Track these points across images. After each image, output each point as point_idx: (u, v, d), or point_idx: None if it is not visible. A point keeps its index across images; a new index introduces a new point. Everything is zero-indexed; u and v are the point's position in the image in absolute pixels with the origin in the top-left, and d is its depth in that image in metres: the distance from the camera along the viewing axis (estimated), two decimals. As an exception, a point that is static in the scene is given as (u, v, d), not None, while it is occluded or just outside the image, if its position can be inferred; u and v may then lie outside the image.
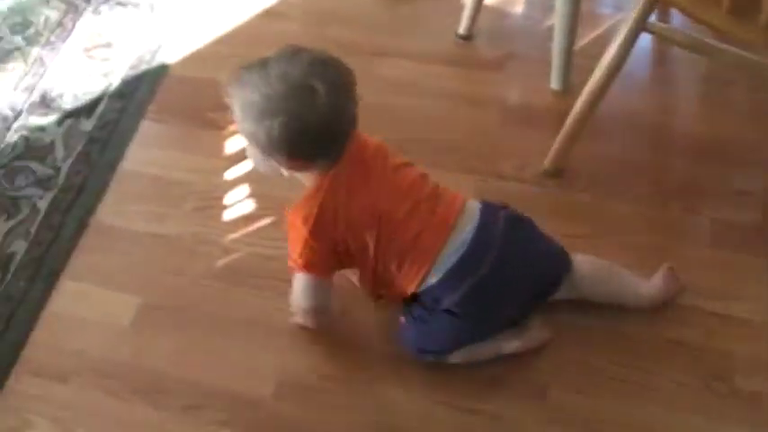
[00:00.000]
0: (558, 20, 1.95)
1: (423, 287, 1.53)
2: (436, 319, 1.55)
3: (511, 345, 1.63)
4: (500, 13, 2.23)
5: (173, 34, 2.26)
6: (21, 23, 2.34)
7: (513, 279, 1.53)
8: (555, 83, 2.06)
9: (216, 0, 2.31)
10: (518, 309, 1.61)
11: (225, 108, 1.45)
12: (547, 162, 1.90)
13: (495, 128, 2.01)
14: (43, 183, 2.00)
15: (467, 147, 1.98)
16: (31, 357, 1.74)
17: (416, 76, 2.12)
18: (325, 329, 1.71)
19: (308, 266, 1.55)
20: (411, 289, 1.55)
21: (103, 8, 2.35)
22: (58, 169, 2.02)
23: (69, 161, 2.03)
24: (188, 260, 1.84)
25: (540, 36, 2.14)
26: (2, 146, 2.08)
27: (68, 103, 2.15)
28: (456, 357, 1.62)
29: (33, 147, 2.07)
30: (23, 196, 1.98)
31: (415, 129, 2.00)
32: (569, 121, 1.82)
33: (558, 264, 1.63)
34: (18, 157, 2.06)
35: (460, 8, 2.16)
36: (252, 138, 1.43)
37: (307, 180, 1.51)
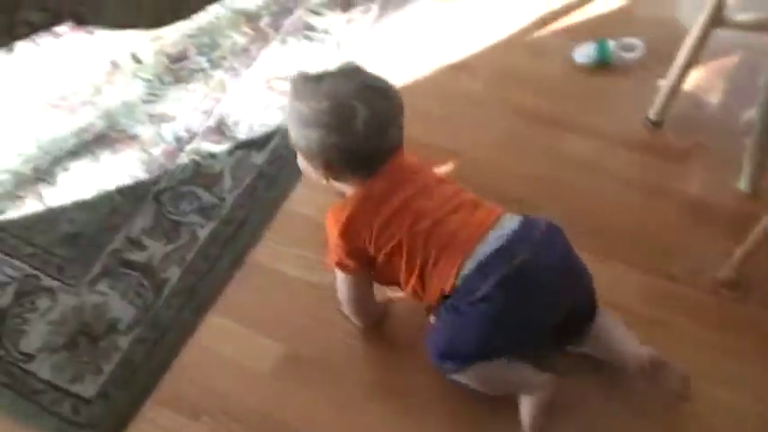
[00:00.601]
0: (758, 115, 1.82)
1: (458, 281, 1.52)
2: (467, 314, 1.52)
3: (533, 381, 1.57)
4: (695, 101, 2.10)
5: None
6: (208, 45, 2.38)
7: (546, 280, 1.51)
8: (744, 183, 1.93)
9: (403, 47, 2.28)
10: (545, 325, 1.55)
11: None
12: (724, 270, 1.78)
13: (671, 223, 1.90)
14: (206, 211, 2.01)
15: (637, 238, 1.87)
16: (167, 387, 1.76)
17: (596, 154, 2.02)
18: (370, 329, 1.77)
19: (339, 265, 1.64)
20: (447, 286, 1.53)
21: (291, 39, 2.36)
22: (222, 200, 2.03)
23: (235, 193, 2.04)
24: (339, 314, 1.81)
25: (735, 130, 2.01)
26: (172, 167, 2.11)
27: (242, 133, 2.16)
28: (476, 374, 1.56)
29: (202, 173, 2.09)
30: (186, 222, 2.00)
31: (585, 209, 1.91)
32: (756, 230, 1.69)
33: (590, 285, 1.61)
34: (185, 182, 2.08)
35: (655, 90, 2.05)
36: (295, 144, 1.58)
37: (343, 188, 1.62)
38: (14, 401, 1.78)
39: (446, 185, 1.62)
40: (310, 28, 2.30)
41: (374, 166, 1.56)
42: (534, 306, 1.52)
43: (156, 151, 2.15)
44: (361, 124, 1.49)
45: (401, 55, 2.25)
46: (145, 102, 2.26)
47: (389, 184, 1.57)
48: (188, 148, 2.15)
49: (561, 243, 1.58)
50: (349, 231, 1.57)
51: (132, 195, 2.07)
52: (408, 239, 1.54)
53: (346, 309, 1.76)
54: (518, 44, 2.20)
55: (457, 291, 1.53)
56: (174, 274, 1.92)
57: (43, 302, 1.92)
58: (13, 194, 2.13)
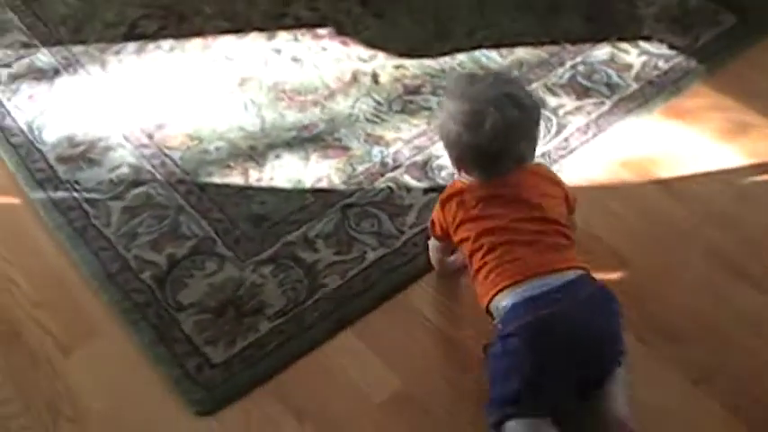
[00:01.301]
0: None
1: (496, 305, 1.66)
2: (498, 347, 1.63)
3: None
4: None
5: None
6: (443, 88, 2.46)
7: (569, 338, 1.58)
8: None
9: (615, 149, 2.28)
10: (561, 378, 1.60)
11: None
12: None
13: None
14: (383, 238, 2.10)
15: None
16: (284, 381, 1.86)
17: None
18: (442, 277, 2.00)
19: (431, 224, 1.89)
20: (485, 299, 1.68)
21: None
22: (401, 233, 2.11)
23: (415, 230, 2.11)
24: (462, 374, 1.84)
25: None
26: (369, 187, 2.21)
27: (442, 179, 2.23)
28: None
29: (392, 202, 2.18)
30: (360, 240, 2.10)
31: (748, 369, 1.82)
32: None
33: (618, 345, 1.65)
34: (375, 204, 2.18)
35: None
36: (440, 135, 1.81)
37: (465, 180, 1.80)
38: (154, 342, 1.93)
39: (546, 222, 1.71)
40: (541, 103, 2.34)
41: (496, 169, 1.73)
42: (551, 358, 1.58)
43: (360, 168, 2.26)
44: (489, 128, 1.66)
45: (611, 156, 2.25)
46: (368, 120, 2.39)
47: (495, 192, 1.73)
48: (389, 174, 2.25)
49: (607, 311, 1.65)
50: (445, 205, 1.79)
51: (324, 200, 2.19)
52: (474, 242, 1.71)
53: (431, 256, 2.00)
54: (733, 183, 2.16)
55: (496, 317, 1.68)
56: (332, 282, 2.01)
57: (211, 266, 2.07)
58: (224, 163, 2.31)
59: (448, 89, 1.77)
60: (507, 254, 1.67)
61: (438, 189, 2.17)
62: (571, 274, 1.64)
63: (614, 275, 1.97)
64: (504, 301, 1.64)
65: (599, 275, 1.74)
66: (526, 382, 1.59)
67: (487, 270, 1.68)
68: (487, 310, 1.71)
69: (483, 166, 1.74)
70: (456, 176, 1.85)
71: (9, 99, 2.59)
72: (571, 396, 1.63)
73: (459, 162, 1.78)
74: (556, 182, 1.82)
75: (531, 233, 1.68)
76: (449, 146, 1.78)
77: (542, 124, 2.25)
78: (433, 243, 1.96)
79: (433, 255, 2.00)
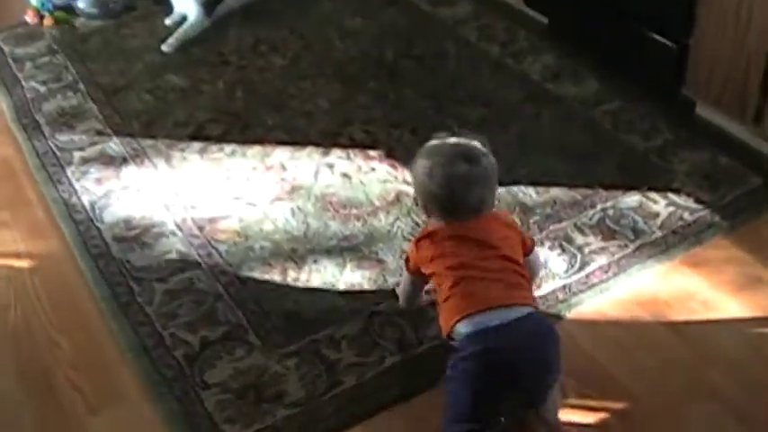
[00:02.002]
0: None
1: (457, 331, 1.93)
2: (454, 370, 1.90)
3: None
4: None
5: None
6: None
7: (520, 365, 1.87)
8: None
9: (633, 296, 2.39)
10: (512, 399, 1.92)
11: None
12: None
13: None
14: (404, 346, 2.21)
15: None
16: None
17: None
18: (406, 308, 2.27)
19: (405, 261, 2.19)
20: (448, 325, 1.95)
21: (547, 243, 2.52)
22: (421, 343, 2.21)
23: (434, 342, 2.22)
24: None
25: None
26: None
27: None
28: None
29: (416, 314, 2.30)
30: (381, 346, 2.21)
31: None
32: None
33: (555, 373, 1.94)
34: (400, 314, 2.29)
35: None
36: (414, 185, 2.16)
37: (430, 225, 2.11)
38: (177, 414, 2.06)
39: (504, 261, 1.99)
40: (568, 239, 2.48)
41: (455, 214, 2.03)
42: (496, 382, 1.87)
43: (391, 280, 2.38)
44: (440, 177, 2.00)
45: (628, 295, 2.35)
46: (405, 238, 2.52)
47: (460, 233, 2.01)
48: (418, 289, 2.37)
49: (549, 344, 1.93)
50: (419, 244, 2.08)
51: (353, 305, 2.32)
52: (441, 276, 1.99)
53: (399, 292, 2.29)
54: (742, 332, 2.25)
55: (453, 342, 1.95)
56: (349, 381, 2.12)
57: (239, 351, 2.20)
58: (266, 261, 2.47)
59: (420, 151, 2.10)
60: (469, 287, 1.94)
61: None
62: (523, 310, 1.92)
63: (620, 408, 2.05)
64: (463, 328, 1.91)
65: (604, 407, 1.88)
66: (474, 401, 1.86)
67: (452, 301, 1.95)
68: (448, 336, 1.97)
69: (443, 210, 2.04)
70: (427, 222, 2.22)
71: (78, 179, 2.81)
72: (513, 411, 1.94)
73: (425, 208, 2.11)
74: (512, 227, 2.14)
75: (491, 270, 1.95)
76: (417, 193, 2.13)
77: (566, 258, 2.39)
78: (406, 277, 2.22)
79: (403, 287, 2.26)
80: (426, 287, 2.22)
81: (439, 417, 1.94)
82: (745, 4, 2.52)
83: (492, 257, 1.98)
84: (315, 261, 2.46)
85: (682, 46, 2.80)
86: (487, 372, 1.86)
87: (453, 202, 2.01)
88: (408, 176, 2.73)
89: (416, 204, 2.50)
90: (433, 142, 2.11)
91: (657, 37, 2.88)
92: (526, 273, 2.03)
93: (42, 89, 3.35)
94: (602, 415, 2.03)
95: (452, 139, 2.10)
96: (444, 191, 2.00)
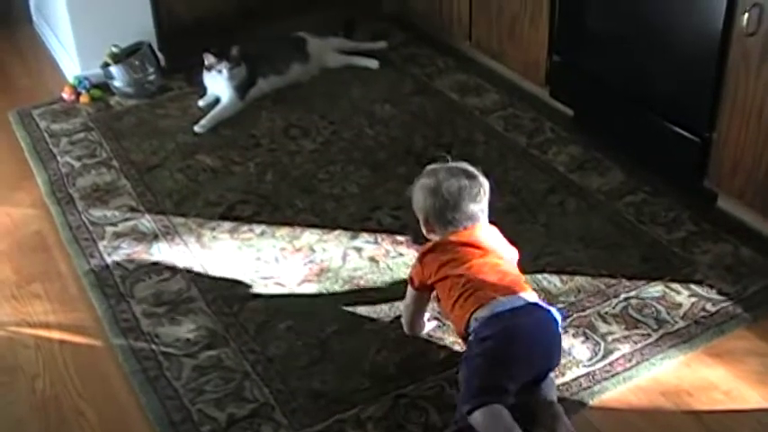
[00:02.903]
0: None
1: (474, 318, 2.18)
2: (474, 349, 2.15)
3: None
4: None
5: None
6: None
7: (527, 342, 2.15)
8: None
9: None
10: (525, 375, 2.14)
11: None
12: None
13: None
14: (428, 429, 2.23)
15: None
16: None
17: None
18: (411, 333, 2.48)
19: (410, 278, 2.41)
20: (464, 320, 2.21)
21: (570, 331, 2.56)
22: (445, 427, 2.23)
23: (460, 424, 2.24)
24: None
25: None
26: (422, 380, 2.36)
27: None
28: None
29: (442, 398, 2.32)
30: (407, 429, 2.23)
31: None
32: None
33: (558, 356, 2.26)
34: (425, 398, 2.31)
35: None
36: (413, 203, 2.45)
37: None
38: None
39: (504, 259, 2.34)
40: (592, 328, 2.50)
41: (454, 224, 2.33)
42: (515, 356, 2.12)
43: (417, 363, 2.41)
44: (446, 193, 2.32)
45: (651, 384, 2.35)
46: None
47: (459, 241, 2.31)
48: (442, 374, 2.39)
49: (554, 330, 2.22)
50: (423, 259, 2.34)
51: (380, 386, 2.34)
52: (450, 279, 2.26)
53: (403, 315, 2.48)
54: (763, 423, 2.25)
55: (472, 331, 2.18)
56: (373, 462, 2.15)
57: (266, 429, 2.22)
58: (291, 340, 2.50)
59: (419, 176, 2.43)
60: (480, 281, 2.22)
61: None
62: (532, 296, 2.24)
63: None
64: (480, 314, 2.16)
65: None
66: (494, 374, 2.09)
67: (464, 298, 2.21)
68: (465, 331, 2.21)
69: (446, 221, 2.33)
70: (428, 237, 2.42)
71: (110, 254, 2.87)
72: (521, 388, 2.12)
73: (426, 223, 2.40)
74: (499, 234, 2.42)
75: (495, 267, 2.27)
76: (418, 210, 2.41)
77: (590, 346, 2.42)
78: (411, 295, 2.41)
79: (408, 306, 2.45)
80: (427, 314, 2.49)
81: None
82: (768, 102, 2.60)
83: (494, 257, 2.31)
84: (341, 342, 2.49)
85: (705, 140, 2.86)
86: (508, 347, 2.11)
87: (456, 211, 2.32)
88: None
89: (414, 240, 2.81)
90: (432, 166, 2.43)
91: (681, 131, 2.94)
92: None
93: (77, 165, 3.44)
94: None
95: (450, 164, 2.41)
96: (449, 202, 2.32)
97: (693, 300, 2.58)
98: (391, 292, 2.66)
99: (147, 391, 2.34)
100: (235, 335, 2.53)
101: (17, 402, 2.36)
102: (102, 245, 2.93)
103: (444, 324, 2.50)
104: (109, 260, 2.85)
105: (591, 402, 2.28)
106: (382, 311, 2.60)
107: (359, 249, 2.88)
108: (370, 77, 4.02)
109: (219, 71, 3.74)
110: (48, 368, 2.46)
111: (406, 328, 2.48)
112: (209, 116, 3.69)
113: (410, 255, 2.82)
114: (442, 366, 2.40)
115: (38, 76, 4.27)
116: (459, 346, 2.40)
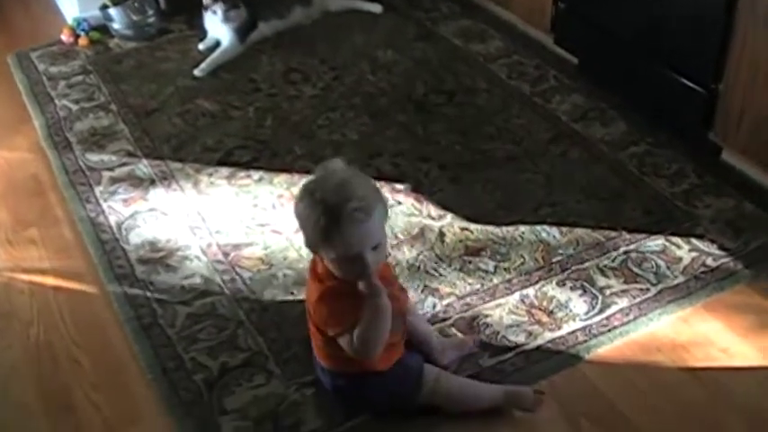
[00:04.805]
0: None
1: None
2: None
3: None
4: None
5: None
6: (502, 254, 2.62)
7: None
8: None
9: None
10: None
11: None
12: None
13: None
14: (421, 379, 2.22)
15: None
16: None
17: None
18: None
19: (333, 325, 2.02)
20: None
21: (569, 282, 2.53)
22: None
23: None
24: None
25: None
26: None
27: (486, 337, 2.35)
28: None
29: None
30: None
31: None
32: None
33: None
34: (420, 349, 2.31)
35: None
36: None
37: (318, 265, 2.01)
38: (193, 439, 2.08)
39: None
40: (590, 281, 2.48)
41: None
42: None
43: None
44: (322, 212, 1.86)
45: (647, 339, 2.33)
46: (427, 273, 2.53)
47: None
48: (437, 325, 2.37)
49: None
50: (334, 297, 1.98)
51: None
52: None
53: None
54: (758, 379, 2.24)
55: None
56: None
57: (259, 379, 2.22)
58: (288, 289, 2.49)
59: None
60: None
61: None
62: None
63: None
64: None
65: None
66: None
67: None
68: None
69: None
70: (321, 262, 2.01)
71: (105, 200, 2.85)
72: None
73: (307, 243, 1.99)
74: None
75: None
76: (300, 226, 1.98)
77: (587, 299, 2.40)
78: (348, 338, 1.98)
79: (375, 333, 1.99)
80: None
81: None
82: (776, 54, 2.54)
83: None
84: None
85: (711, 91, 2.81)
86: None
87: None
88: (434, 211, 2.75)
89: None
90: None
91: (687, 81, 2.89)
92: None
93: (75, 108, 3.40)
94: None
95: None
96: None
97: (694, 254, 2.55)
98: (388, 240, 2.63)
99: (141, 339, 2.33)
100: (229, 282, 2.51)
101: (11, 348, 2.36)
102: (98, 190, 2.91)
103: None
104: (105, 206, 2.83)
105: (587, 356, 2.26)
106: (379, 261, 2.57)
107: (357, 197, 2.85)
108: (373, 22, 3.95)
109: (214, 12, 3.68)
110: (42, 315, 2.46)
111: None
112: (209, 59, 3.64)
113: (408, 203, 2.79)
114: (435, 318, 2.39)
115: (37, 19, 4.21)
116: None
